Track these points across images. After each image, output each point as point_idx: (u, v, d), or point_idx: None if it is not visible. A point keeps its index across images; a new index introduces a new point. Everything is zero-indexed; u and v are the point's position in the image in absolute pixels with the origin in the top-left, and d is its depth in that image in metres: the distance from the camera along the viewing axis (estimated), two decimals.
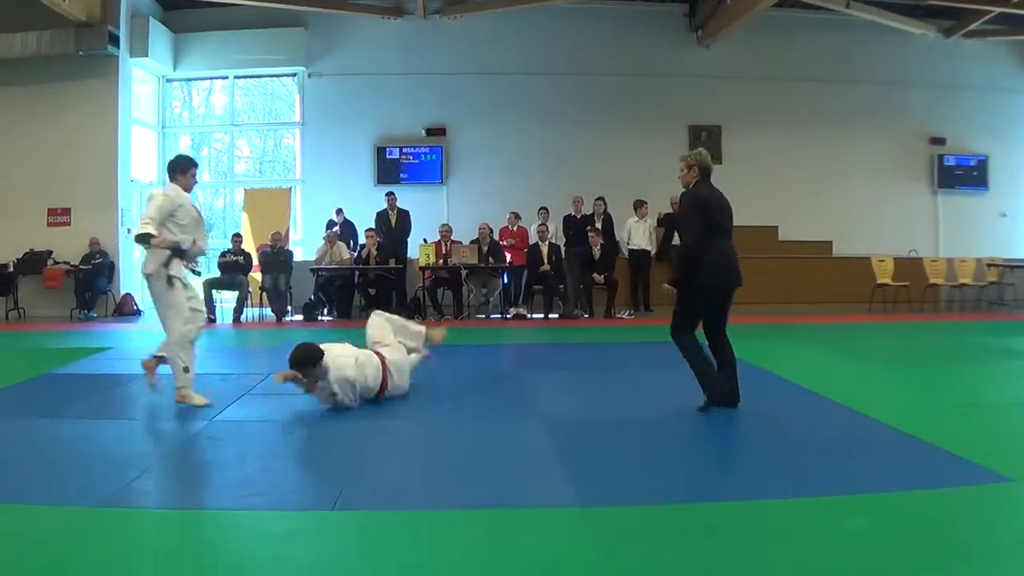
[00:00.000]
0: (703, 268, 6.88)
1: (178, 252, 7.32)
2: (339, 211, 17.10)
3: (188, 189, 7.72)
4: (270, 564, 3.91)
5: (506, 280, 16.14)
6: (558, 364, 10.63)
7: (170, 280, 7.29)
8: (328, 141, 18.48)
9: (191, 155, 8.25)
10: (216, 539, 4.28)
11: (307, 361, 7.03)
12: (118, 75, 16.51)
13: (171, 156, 8.19)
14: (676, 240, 16.57)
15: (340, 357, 7.15)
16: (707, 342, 7.19)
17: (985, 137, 19.45)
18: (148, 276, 7.38)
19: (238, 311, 15.29)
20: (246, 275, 15.62)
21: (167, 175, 7.84)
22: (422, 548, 4.11)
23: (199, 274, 8.18)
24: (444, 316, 15.38)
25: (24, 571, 3.81)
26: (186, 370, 7.36)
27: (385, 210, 16.41)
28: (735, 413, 6.96)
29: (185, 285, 7.43)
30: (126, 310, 16.28)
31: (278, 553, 4.05)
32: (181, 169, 7.68)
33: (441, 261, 15.57)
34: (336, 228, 16.48)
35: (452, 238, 16.03)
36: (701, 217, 6.90)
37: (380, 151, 18.60)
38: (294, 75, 18.98)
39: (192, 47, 18.44)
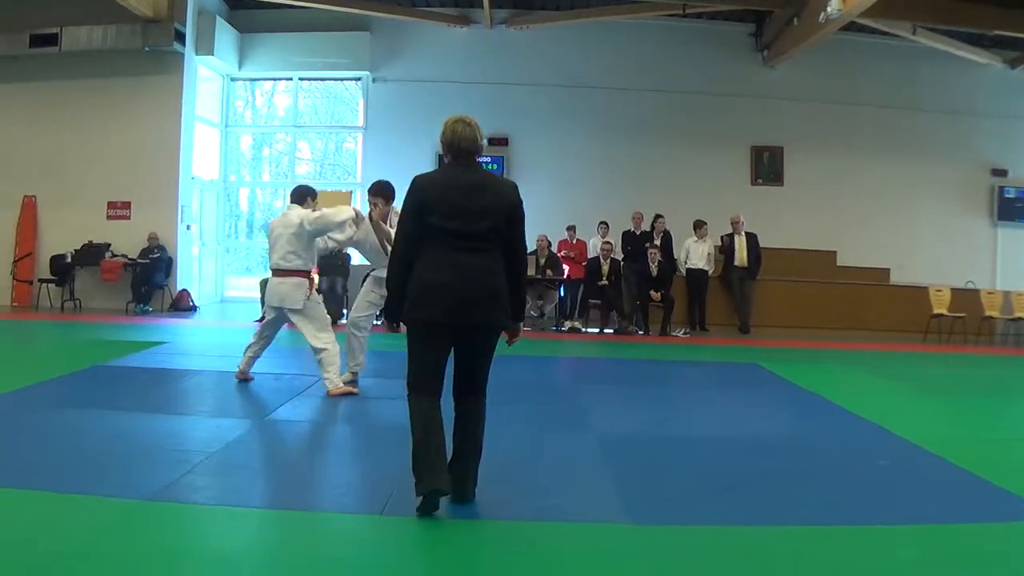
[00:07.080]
0: None
1: None
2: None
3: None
4: (313, 566, 3.88)
5: (562, 293, 15.96)
6: (611, 379, 10.54)
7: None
8: (390, 146, 18.31)
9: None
10: (261, 538, 4.26)
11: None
12: (183, 72, 16.55)
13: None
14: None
15: None
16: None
17: None
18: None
19: None
20: None
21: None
22: (466, 556, 4.14)
23: None
24: None
25: (68, 563, 3.78)
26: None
27: None
28: (787, 438, 6.94)
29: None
30: (182, 305, 16.29)
31: (323, 555, 4.02)
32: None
33: None
34: None
35: None
36: None
37: (442, 159, 18.33)
38: (358, 79, 18.96)
39: (257, 47, 18.51)
